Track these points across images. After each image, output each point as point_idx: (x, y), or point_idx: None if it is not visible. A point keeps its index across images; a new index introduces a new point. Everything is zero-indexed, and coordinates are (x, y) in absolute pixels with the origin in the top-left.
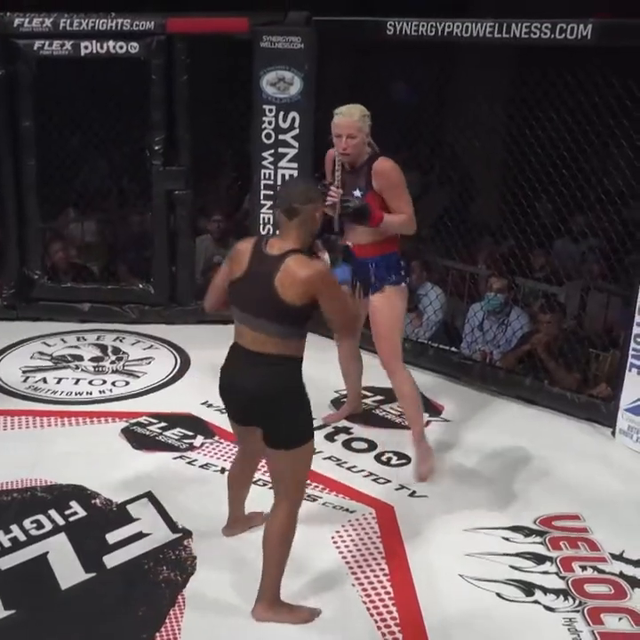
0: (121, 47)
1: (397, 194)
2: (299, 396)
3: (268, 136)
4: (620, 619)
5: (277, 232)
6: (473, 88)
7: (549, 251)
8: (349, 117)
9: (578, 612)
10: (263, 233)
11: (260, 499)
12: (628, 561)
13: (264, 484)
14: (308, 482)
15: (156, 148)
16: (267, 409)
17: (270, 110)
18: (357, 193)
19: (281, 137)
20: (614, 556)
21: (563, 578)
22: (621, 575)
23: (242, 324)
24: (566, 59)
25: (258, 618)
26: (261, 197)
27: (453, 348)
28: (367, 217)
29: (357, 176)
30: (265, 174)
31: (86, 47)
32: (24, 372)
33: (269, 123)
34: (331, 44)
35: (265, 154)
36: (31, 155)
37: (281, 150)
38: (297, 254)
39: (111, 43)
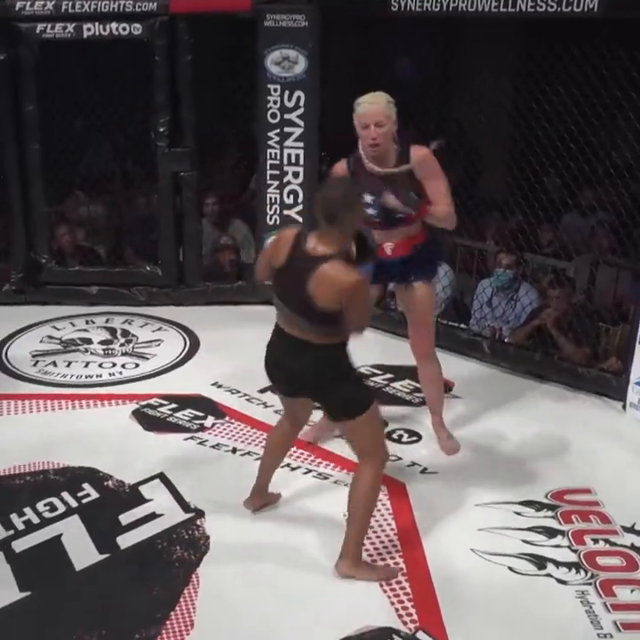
0: (124, 29)
1: (435, 178)
2: (344, 375)
3: (274, 115)
4: (631, 590)
5: (316, 229)
6: (479, 62)
7: (557, 225)
8: (376, 105)
9: (590, 584)
10: (270, 212)
11: (281, 481)
12: (639, 533)
13: (283, 466)
14: (319, 460)
15: (161, 129)
16: (316, 389)
17: (275, 89)
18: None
19: (286, 116)
20: (626, 529)
21: (574, 551)
22: (633, 547)
23: (281, 311)
24: (573, 31)
25: (341, 574)
26: (268, 177)
27: (462, 325)
28: (418, 206)
29: (397, 175)
30: (271, 154)
31: (89, 29)
32: (34, 356)
33: (274, 102)
34: (335, 21)
35: (270, 133)
36: (35, 139)
37: (287, 130)
38: (334, 260)
39: (114, 24)
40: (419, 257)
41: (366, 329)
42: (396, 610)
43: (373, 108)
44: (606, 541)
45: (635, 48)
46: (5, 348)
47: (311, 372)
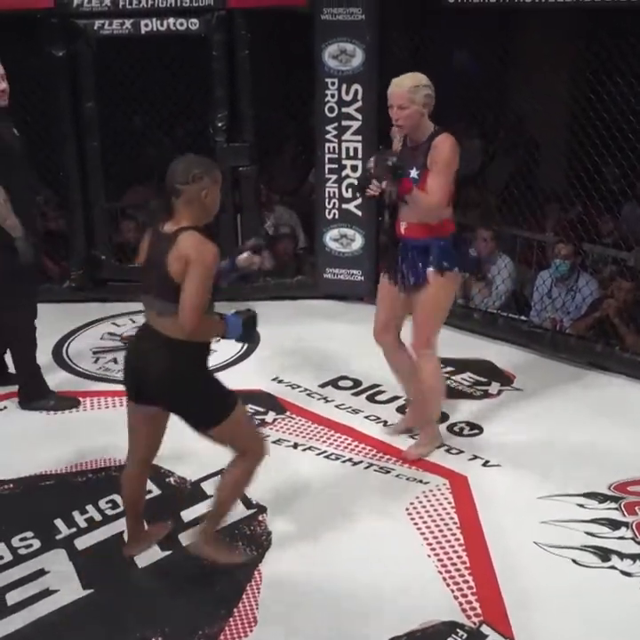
0: (181, 24)
1: (438, 170)
2: (199, 377)
3: (331, 109)
4: None
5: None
6: (537, 53)
7: (617, 216)
8: (399, 88)
9: None
10: (328, 206)
11: (342, 476)
12: None
13: (344, 461)
14: (381, 454)
15: (219, 124)
16: (165, 391)
17: (332, 83)
18: (414, 173)
19: (344, 110)
20: None
21: (639, 543)
22: None
23: (144, 303)
24: (631, 20)
25: (193, 551)
26: (326, 171)
27: (523, 317)
28: (400, 178)
29: (417, 153)
30: (329, 148)
31: (146, 25)
32: (94, 353)
33: (332, 96)
34: (392, 14)
35: (328, 127)
36: (94, 136)
37: (344, 123)
38: (190, 231)
39: (171, 20)
40: (436, 248)
41: (191, 331)
42: (460, 604)
43: (396, 90)
44: None
45: None
46: (66, 345)
47: (160, 366)
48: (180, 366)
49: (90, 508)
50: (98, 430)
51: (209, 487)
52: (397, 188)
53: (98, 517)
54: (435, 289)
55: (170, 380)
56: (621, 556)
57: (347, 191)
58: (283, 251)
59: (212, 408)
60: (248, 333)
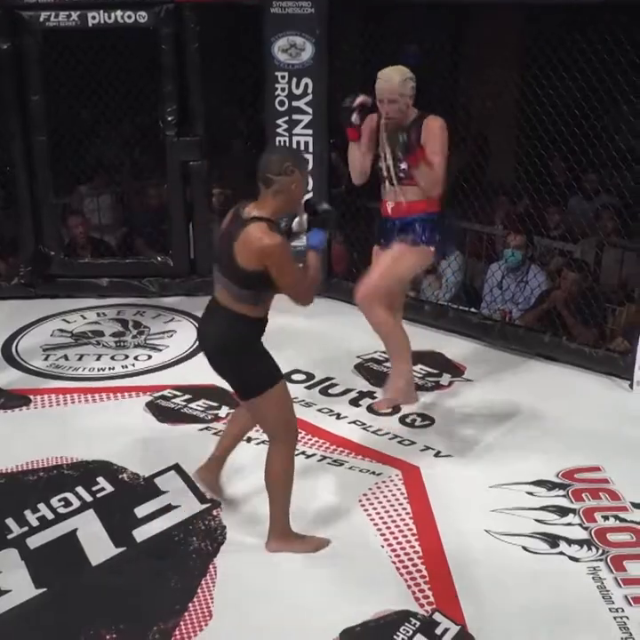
0: (129, 17)
1: (437, 151)
2: (248, 349)
3: (282, 103)
4: None
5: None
6: (485, 48)
7: (564, 209)
8: (389, 83)
9: (601, 560)
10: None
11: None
12: None
13: (297, 454)
14: (334, 446)
15: (169, 118)
16: (219, 359)
17: (283, 77)
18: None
19: (294, 104)
20: (635, 505)
21: (586, 528)
22: None
23: (215, 277)
24: (575, 17)
25: (271, 549)
26: None
27: (473, 309)
28: (413, 150)
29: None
30: (280, 142)
31: (94, 17)
32: (45, 350)
33: (282, 90)
34: (341, 7)
35: (279, 121)
36: (41, 130)
37: (295, 117)
38: (259, 222)
39: (119, 12)
40: (419, 224)
41: (312, 302)
42: (413, 593)
43: (386, 85)
44: (616, 518)
45: (635, 32)
46: (16, 343)
47: (216, 335)
48: (233, 336)
49: (42, 506)
50: (49, 428)
51: (162, 483)
52: (410, 158)
53: (50, 516)
54: (403, 248)
55: (222, 347)
56: (569, 541)
57: None
58: None
59: (254, 379)
60: (328, 224)
